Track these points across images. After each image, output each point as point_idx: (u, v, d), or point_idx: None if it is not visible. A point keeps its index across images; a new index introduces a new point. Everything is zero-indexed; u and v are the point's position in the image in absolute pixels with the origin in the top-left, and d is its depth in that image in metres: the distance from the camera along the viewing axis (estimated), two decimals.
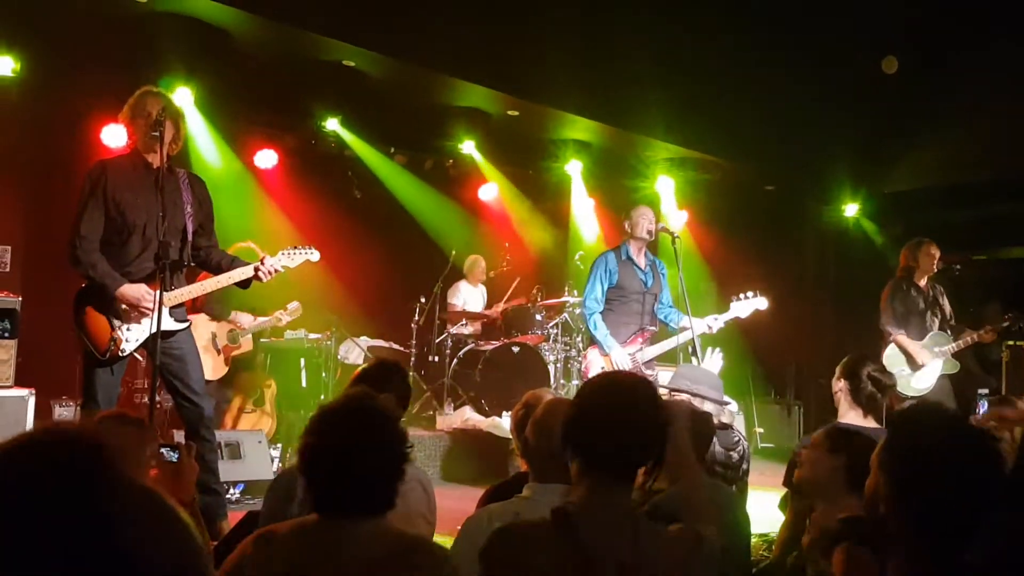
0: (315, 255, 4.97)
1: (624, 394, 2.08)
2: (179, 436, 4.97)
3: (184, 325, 4.63)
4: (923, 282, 7.01)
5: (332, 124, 8.30)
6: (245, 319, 6.69)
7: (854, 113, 8.70)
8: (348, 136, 8.55)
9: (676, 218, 10.18)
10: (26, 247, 7.24)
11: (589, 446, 2.03)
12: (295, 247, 4.90)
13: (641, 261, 6.31)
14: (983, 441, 1.84)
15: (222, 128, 7.93)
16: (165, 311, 4.37)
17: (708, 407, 4.07)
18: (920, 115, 8.65)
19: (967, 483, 1.74)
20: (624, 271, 6.24)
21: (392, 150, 9.19)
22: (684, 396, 4.21)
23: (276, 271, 4.75)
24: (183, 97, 6.96)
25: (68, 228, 4.43)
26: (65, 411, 6.35)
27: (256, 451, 5.90)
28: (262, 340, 7.17)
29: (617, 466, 2.01)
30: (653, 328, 6.30)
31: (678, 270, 6.11)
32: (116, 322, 4.44)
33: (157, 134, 4.34)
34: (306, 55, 6.99)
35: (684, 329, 6.06)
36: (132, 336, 4.47)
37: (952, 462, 1.76)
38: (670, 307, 6.44)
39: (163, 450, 3.21)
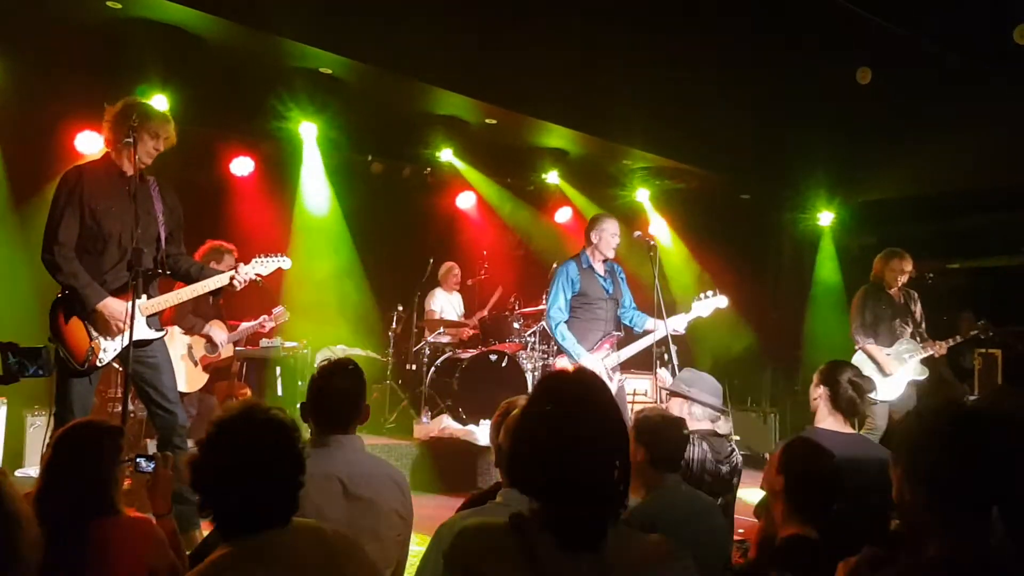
0: (287, 262, 5.00)
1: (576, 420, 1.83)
2: (152, 447, 4.92)
3: (160, 334, 4.62)
4: (893, 290, 7.06)
5: (309, 131, 8.25)
6: (219, 334, 6.62)
7: (829, 124, 8.77)
8: (326, 144, 8.51)
9: (653, 227, 10.23)
10: None
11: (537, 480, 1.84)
12: (267, 255, 4.91)
13: (600, 268, 6.33)
14: (989, 426, 1.92)
15: (198, 136, 7.87)
16: (141, 320, 4.37)
17: (696, 411, 4.09)
18: (894, 126, 8.73)
19: (972, 465, 1.85)
20: (586, 279, 6.24)
21: (369, 158, 9.16)
22: (678, 400, 4.22)
23: (250, 280, 4.76)
24: (158, 104, 6.91)
25: (44, 234, 4.37)
26: (38, 420, 6.28)
27: None
28: (237, 348, 7.12)
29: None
30: (619, 333, 6.33)
31: (655, 279, 6.14)
32: (94, 331, 4.40)
33: (131, 140, 4.31)
34: (282, 62, 6.96)
35: (648, 332, 6.17)
36: (111, 346, 4.44)
37: (955, 446, 1.87)
38: (633, 309, 6.46)
39: (139, 460, 3.18)
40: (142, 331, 4.39)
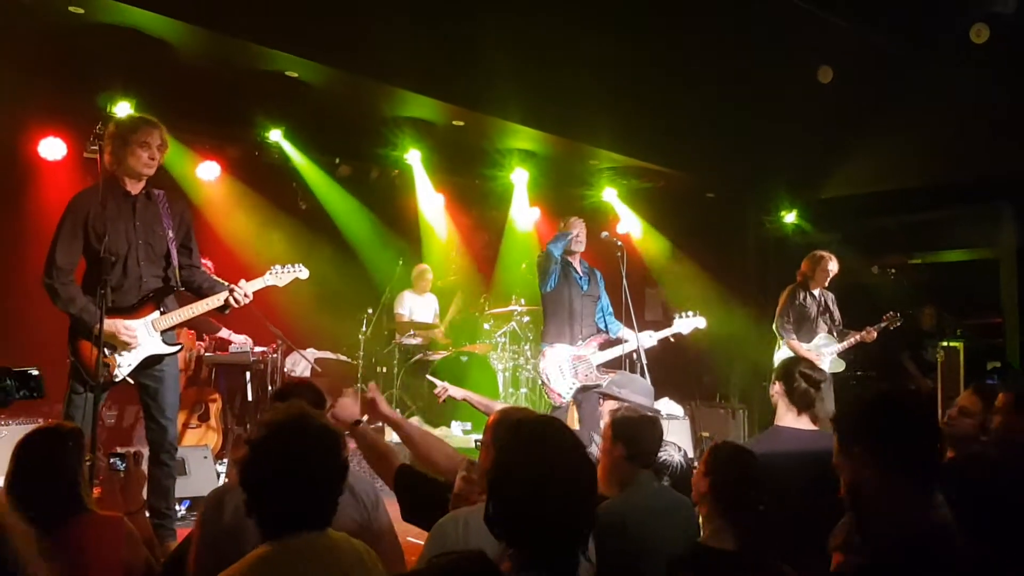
0: (304, 272, 4.94)
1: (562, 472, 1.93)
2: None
3: (174, 349, 4.64)
4: (817, 291, 7.58)
5: (275, 135, 8.21)
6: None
7: (791, 123, 8.87)
8: (292, 147, 8.47)
9: (621, 226, 10.31)
10: None
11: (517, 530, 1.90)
12: (283, 265, 4.87)
13: (577, 265, 6.53)
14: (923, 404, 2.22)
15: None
16: (156, 335, 4.50)
17: None
18: (856, 123, 8.86)
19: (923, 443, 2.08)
20: (564, 270, 6.42)
21: (337, 161, 9.14)
22: (611, 402, 4.27)
23: (248, 296, 4.66)
24: (123, 110, 6.86)
25: (45, 260, 4.41)
26: (3, 431, 6.18)
27: (201, 467, 5.83)
28: (206, 354, 7.08)
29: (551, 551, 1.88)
30: (603, 334, 6.46)
31: (623, 279, 6.25)
32: (107, 349, 4.42)
33: (96, 148, 4.30)
34: (247, 66, 6.91)
35: (622, 341, 6.42)
36: (124, 362, 4.48)
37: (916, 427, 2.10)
38: (609, 314, 6.61)
39: (112, 460, 3.20)
40: (156, 346, 4.51)
